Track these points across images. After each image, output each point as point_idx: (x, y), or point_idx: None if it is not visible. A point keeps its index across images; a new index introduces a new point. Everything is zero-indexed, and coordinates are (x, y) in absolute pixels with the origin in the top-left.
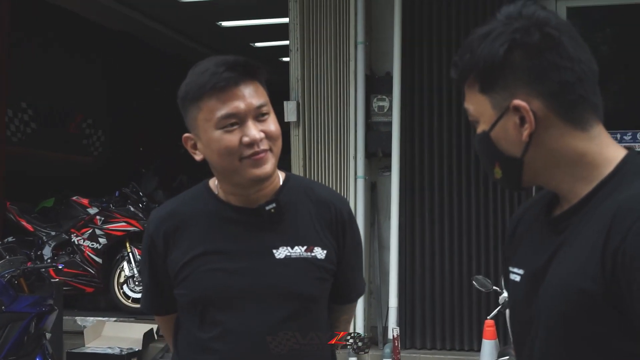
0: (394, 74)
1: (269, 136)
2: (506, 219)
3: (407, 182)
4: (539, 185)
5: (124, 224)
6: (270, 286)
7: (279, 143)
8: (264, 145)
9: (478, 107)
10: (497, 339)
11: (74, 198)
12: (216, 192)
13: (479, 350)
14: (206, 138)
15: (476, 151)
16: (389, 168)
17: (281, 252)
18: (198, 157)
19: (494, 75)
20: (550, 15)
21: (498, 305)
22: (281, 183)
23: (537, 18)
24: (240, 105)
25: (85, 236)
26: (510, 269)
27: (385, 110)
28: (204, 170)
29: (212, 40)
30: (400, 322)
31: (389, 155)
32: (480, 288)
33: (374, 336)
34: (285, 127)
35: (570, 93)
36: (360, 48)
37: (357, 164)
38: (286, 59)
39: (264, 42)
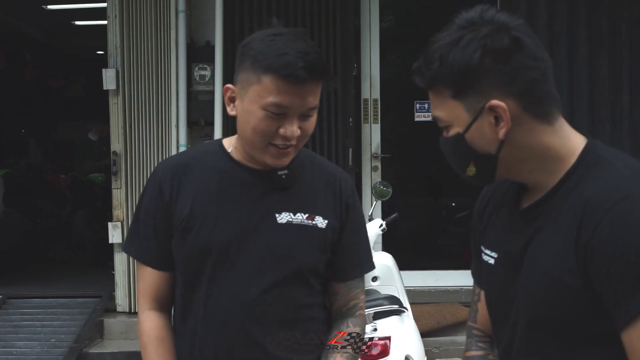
0: (216, 42)
1: (303, 135)
2: None
3: None
4: (510, 178)
5: None
6: (267, 248)
7: (307, 139)
8: (294, 141)
9: (451, 112)
10: None
11: None
12: (229, 151)
13: None
14: (249, 107)
15: (445, 153)
16: (210, 136)
17: (283, 217)
18: (231, 112)
19: (468, 81)
20: (509, 18)
21: None
22: None
23: (500, 22)
24: (295, 102)
25: None
26: (483, 248)
27: (207, 79)
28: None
29: None
30: None
31: (211, 123)
32: None
33: None
34: (104, 95)
35: (538, 90)
36: (182, 17)
37: (179, 133)
38: (79, 23)
39: (59, 4)
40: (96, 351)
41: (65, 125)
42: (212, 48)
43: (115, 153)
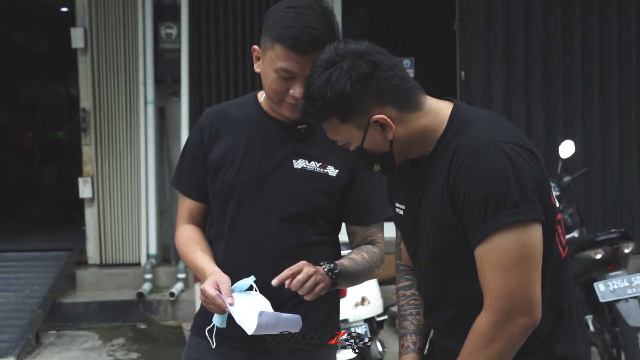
0: (182, 1)
1: None
2: None
3: (195, 106)
4: (406, 158)
5: None
6: (282, 188)
7: None
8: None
9: (345, 134)
10: None
11: None
12: (260, 101)
13: None
14: (265, 69)
15: (353, 162)
16: (177, 94)
17: (299, 163)
18: (257, 69)
19: (349, 107)
20: (357, 45)
21: None
22: None
23: (353, 51)
24: (301, 68)
25: None
26: (395, 203)
27: (173, 37)
28: None
29: None
30: None
31: (178, 81)
32: None
33: (167, 254)
34: (73, 53)
35: (403, 90)
36: None
37: (146, 90)
38: None
39: None
40: (69, 301)
41: (31, 83)
42: (178, 7)
43: (84, 110)
